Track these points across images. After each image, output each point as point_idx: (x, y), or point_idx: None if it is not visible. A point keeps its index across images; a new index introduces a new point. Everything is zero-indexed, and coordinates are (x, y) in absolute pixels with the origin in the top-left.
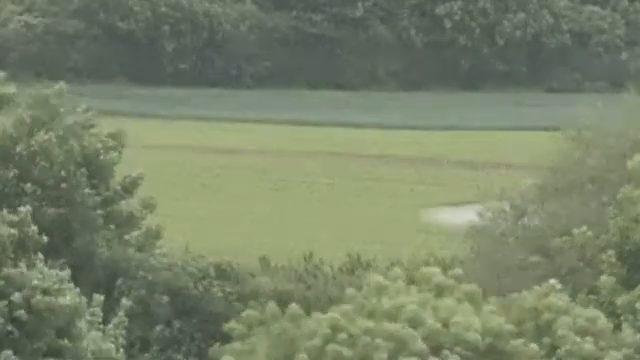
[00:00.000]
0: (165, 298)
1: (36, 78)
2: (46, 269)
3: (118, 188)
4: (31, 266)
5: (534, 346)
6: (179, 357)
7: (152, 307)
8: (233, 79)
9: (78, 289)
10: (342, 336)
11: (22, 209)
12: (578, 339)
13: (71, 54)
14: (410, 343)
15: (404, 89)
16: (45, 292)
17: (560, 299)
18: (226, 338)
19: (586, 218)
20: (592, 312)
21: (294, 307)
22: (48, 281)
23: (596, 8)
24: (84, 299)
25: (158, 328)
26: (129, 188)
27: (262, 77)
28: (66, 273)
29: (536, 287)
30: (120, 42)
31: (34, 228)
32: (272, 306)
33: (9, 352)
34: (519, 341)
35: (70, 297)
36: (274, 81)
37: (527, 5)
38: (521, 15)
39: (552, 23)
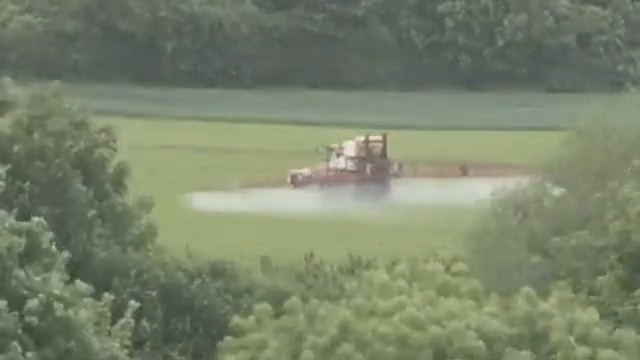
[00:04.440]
0: (156, 294)
1: (36, 78)
2: (58, 276)
3: (109, 183)
4: (45, 273)
5: (527, 354)
6: (175, 354)
7: (145, 304)
8: (233, 79)
9: (92, 300)
10: (351, 339)
11: (35, 219)
12: (575, 346)
13: (71, 54)
14: (418, 351)
15: (404, 89)
16: (64, 302)
17: (556, 304)
18: (222, 335)
19: (585, 219)
20: (588, 316)
21: (314, 302)
22: (66, 292)
23: (597, 8)
24: (92, 301)
25: (150, 325)
26: (119, 178)
27: (262, 77)
28: (87, 288)
29: (527, 288)
30: (120, 42)
31: (46, 239)
32: (293, 300)
33: (30, 354)
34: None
35: (87, 312)
36: (274, 81)
37: (528, 6)
38: (522, 16)
39: (553, 24)
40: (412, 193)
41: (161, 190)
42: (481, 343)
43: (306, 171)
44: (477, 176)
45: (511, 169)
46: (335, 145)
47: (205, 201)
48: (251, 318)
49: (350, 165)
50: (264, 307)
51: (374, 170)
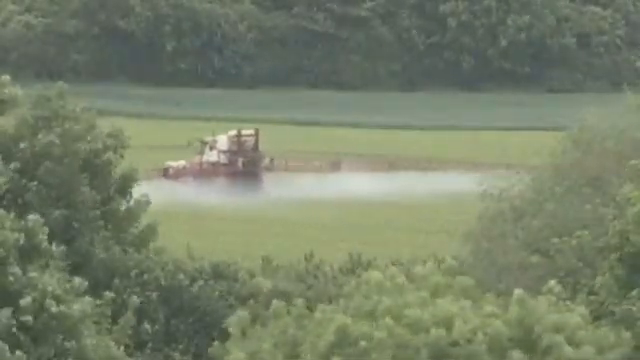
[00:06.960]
0: (156, 295)
1: (36, 78)
2: (55, 274)
3: (114, 188)
4: (40, 271)
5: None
6: (176, 355)
7: (146, 305)
8: (232, 79)
9: (91, 299)
10: (350, 345)
11: (31, 217)
12: (567, 347)
13: (71, 54)
14: (417, 352)
15: (404, 89)
16: (57, 299)
17: (545, 305)
18: (224, 336)
19: (585, 219)
20: (574, 317)
21: (300, 304)
22: (60, 289)
23: (597, 9)
24: (90, 299)
25: (151, 326)
26: (125, 186)
27: (261, 77)
28: (80, 283)
29: (519, 291)
30: (120, 42)
31: (43, 237)
32: (277, 303)
33: (20, 353)
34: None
35: (79, 306)
36: (274, 81)
37: (530, 6)
38: (524, 16)
39: (554, 24)
40: (285, 187)
41: None
42: (484, 346)
43: (180, 164)
44: (350, 171)
45: (386, 164)
46: (209, 138)
47: None
48: (246, 320)
49: (222, 158)
50: (258, 308)
51: (246, 163)
